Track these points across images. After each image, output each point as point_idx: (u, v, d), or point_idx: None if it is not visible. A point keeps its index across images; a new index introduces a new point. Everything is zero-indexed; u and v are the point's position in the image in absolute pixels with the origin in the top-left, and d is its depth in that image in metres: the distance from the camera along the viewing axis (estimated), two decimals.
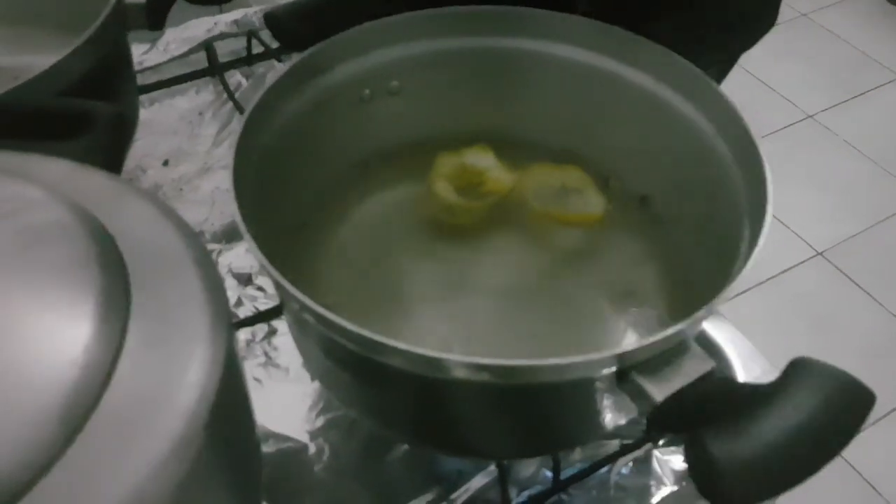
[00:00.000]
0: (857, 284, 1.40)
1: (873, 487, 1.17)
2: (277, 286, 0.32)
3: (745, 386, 0.30)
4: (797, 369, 0.29)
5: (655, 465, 0.42)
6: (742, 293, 1.32)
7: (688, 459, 0.27)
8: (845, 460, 1.18)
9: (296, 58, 0.41)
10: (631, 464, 0.42)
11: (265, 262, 0.31)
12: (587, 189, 0.47)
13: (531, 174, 0.48)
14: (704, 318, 0.30)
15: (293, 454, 0.42)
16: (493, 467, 0.41)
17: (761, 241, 0.32)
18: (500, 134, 0.49)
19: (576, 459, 0.42)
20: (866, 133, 1.63)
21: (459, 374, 0.30)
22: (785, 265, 1.43)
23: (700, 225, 0.42)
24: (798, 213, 1.49)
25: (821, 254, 1.45)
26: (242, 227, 0.32)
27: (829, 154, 1.62)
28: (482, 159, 0.48)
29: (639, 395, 0.30)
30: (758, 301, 1.35)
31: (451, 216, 0.47)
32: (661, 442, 0.42)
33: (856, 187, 1.56)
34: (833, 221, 1.49)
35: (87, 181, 0.29)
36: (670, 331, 0.29)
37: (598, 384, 0.32)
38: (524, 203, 0.47)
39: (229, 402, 0.24)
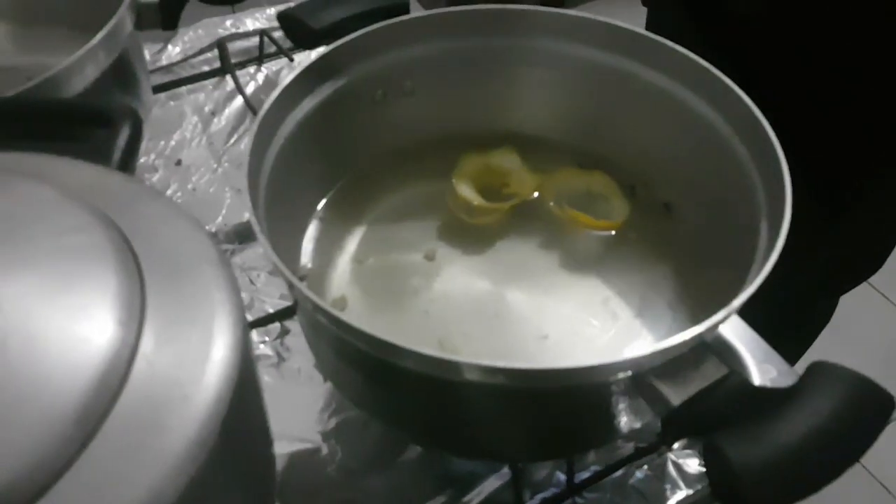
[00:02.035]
0: (874, 287, 1.39)
1: (888, 490, 1.16)
2: (291, 287, 0.32)
3: (762, 390, 0.30)
4: (815, 373, 0.29)
5: (671, 468, 0.41)
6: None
7: (705, 463, 0.27)
8: (860, 463, 1.18)
9: (309, 59, 0.41)
10: (646, 467, 0.41)
11: (279, 262, 0.31)
12: (612, 195, 0.47)
13: (557, 178, 0.48)
14: (722, 321, 0.30)
15: (306, 455, 0.42)
16: (506, 470, 0.41)
17: (779, 243, 0.31)
18: (520, 135, 0.49)
19: (590, 462, 0.42)
20: None
21: (473, 376, 0.30)
22: None
23: (718, 229, 0.42)
24: None
25: None
26: (256, 228, 0.32)
27: None
28: (507, 161, 0.48)
29: (656, 399, 0.30)
30: None
31: (472, 216, 0.46)
32: (676, 445, 0.42)
33: None
34: None
35: (102, 182, 0.29)
36: (688, 335, 0.29)
37: (615, 388, 0.31)
38: (548, 206, 0.47)
39: (244, 402, 0.24)
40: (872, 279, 1.38)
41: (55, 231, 0.25)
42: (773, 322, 0.63)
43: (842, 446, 0.27)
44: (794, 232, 0.49)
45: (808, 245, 0.58)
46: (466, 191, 0.46)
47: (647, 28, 0.66)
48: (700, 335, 0.29)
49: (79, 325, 0.22)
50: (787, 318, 0.70)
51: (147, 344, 0.23)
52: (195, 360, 0.23)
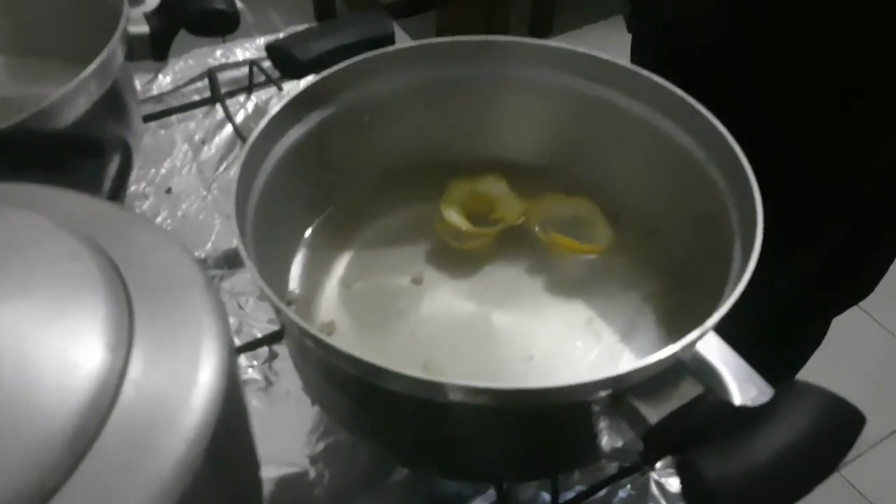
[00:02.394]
0: (858, 306, 1.40)
1: None
2: (278, 312, 0.33)
3: (738, 408, 0.31)
4: (789, 391, 0.30)
5: (653, 487, 0.42)
6: None
7: (681, 479, 0.28)
8: (848, 481, 1.18)
9: (298, 88, 0.42)
10: (629, 487, 0.42)
11: (265, 287, 0.32)
12: (597, 220, 0.48)
13: (543, 203, 0.49)
14: (697, 340, 0.31)
15: (293, 478, 0.42)
16: (492, 491, 0.41)
17: (751, 264, 0.32)
18: (506, 162, 0.50)
19: (574, 482, 0.42)
20: None
21: (457, 397, 0.31)
22: None
23: (699, 252, 0.43)
24: None
25: None
26: (244, 254, 0.33)
27: None
28: (495, 187, 0.49)
29: (634, 418, 0.31)
30: None
31: (459, 241, 0.47)
32: (658, 465, 0.43)
33: None
34: None
35: (93, 211, 0.30)
36: (663, 353, 0.30)
37: (595, 407, 0.32)
38: (534, 230, 0.48)
39: (230, 425, 0.25)
40: (863, 302, 1.39)
41: (47, 259, 0.26)
42: (766, 344, 0.65)
43: (813, 462, 0.28)
44: (786, 258, 0.49)
45: (800, 269, 0.59)
46: (454, 216, 0.47)
47: (632, 54, 0.68)
48: (675, 354, 0.30)
49: (69, 349, 0.23)
50: (780, 339, 0.70)
51: (135, 368, 0.23)
52: (182, 383, 0.23)
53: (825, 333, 0.77)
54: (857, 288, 0.67)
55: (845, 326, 1.37)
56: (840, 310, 0.71)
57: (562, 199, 0.49)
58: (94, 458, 0.21)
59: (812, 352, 0.78)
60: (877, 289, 0.69)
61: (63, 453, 0.20)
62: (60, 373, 0.22)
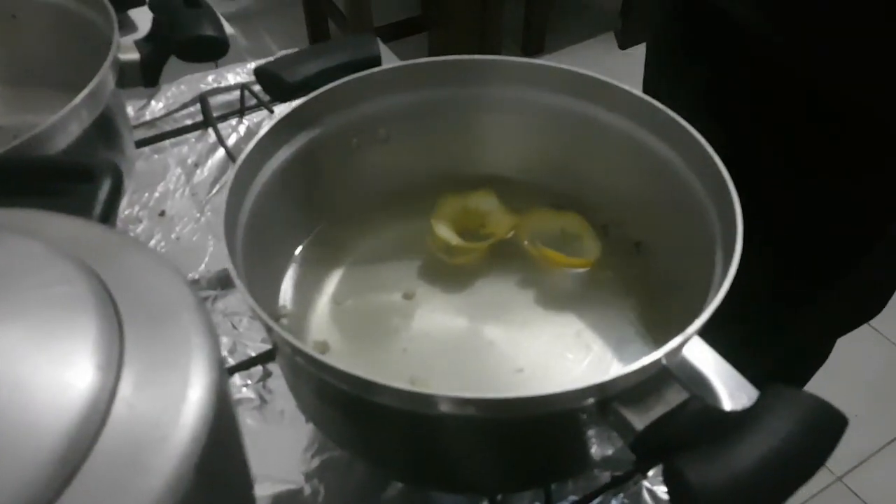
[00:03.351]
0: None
1: None
2: (269, 330, 0.33)
3: (723, 413, 0.31)
4: (772, 395, 0.30)
5: (646, 495, 0.42)
6: None
7: (666, 485, 0.28)
8: (849, 488, 1.18)
9: (285, 110, 0.43)
10: (622, 496, 0.42)
11: (255, 305, 0.33)
12: (585, 234, 0.48)
13: (532, 218, 0.49)
14: (680, 346, 0.31)
15: (289, 496, 0.42)
16: (486, 503, 0.42)
17: (730, 272, 0.33)
18: (495, 178, 0.50)
19: (568, 492, 0.42)
20: None
21: (446, 409, 0.31)
22: None
23: (682, 261, 0.43)
24: None
25: None
26: (233, 273, 0.34)
27: None
28: (485, 202, 0.49)
29: (621, 425, 0.31)
30: None
31: (450, 256, 0.48)
32: (650, 473, 0.43)
33: None
34: None
35: (85, 235, 0.30)
36: (646, 360, 0.30)
37: (582, 416, 0.32)
38: (524, 245, 0.49)
39: (221, 443, 0.25)
40: None
41: (38, 282, 0.26)
42: (772, 365, 0.65)
43: (796, 465, 0.28)
44: (797, 283, 0.49)
45: (809, 294, 0.60)
46: (444, 231, 0.48)
47: (647, 70, 0.67)
48: (658, 361, 0.31)
49: (60, 370, 0.23)
50: (787, 360, 0.71)
51: (126, 387, 0.24)
52: (172, 402, 0.24)
53: (831, 350, 0.78)
54: (872, 309, 0.67)
55: (847, 337, 1.38)
56: (853, 328, 0.71)
57: (550, 213, 0.50)
58: (85, 477, 0.21)
59: (818, 368, 0.79)
60: None
61: (54, 472, 0.21)
62: (52, 393, 0.22)
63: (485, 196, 0.50)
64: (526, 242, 0.49)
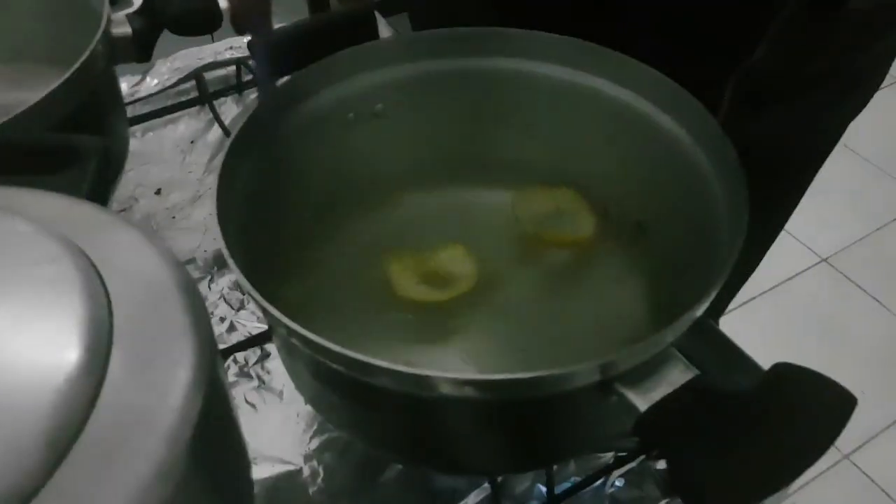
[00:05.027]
0: (863, 290, 1.40)
1: (888, 495, 1.16)
2: (264, 311, 0.33)
3: (729, 393, 0.30)
4: (777, 374, 0.29)
5: (648, 477, 0.42)
6: (746, 302, 1.32)
7: (668, 467, 0.27)
8: (858, 468, 1.17)
9: (279, 84, 0.42)
10: (625, 476, 0.42)
11: (249, 287, 0.32)
12: (580, 211, 0.47)
13: (525, 196, 0.48)
14: (682, 325, 0.31)
15: (287, 477, 0.42)
16: (487, 484, 0.41)
17: (736, 250, 0.32)
18: (491, 155, 0.49)
19: (570, 473, 0.42)
20: (868, 137, 1.63)
21: (444, 390, 0.30)
22: (789, 272, 1.42)
23: (686, 239, 0.42)
24: (801, 219, 1.48)
25: (825, 260, 1.45)
26: (226, 253, 0.33)
27: (831, 158, 1.61)
28: (448, 263, 0.46)
29: (623, 406, 0.30)
30: (763, 310, 1.34)
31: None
32: (654, 453, 0.42)
33: (859, 191, 1.56)
34: (837, 227, 1.48)
35: (73, 213, 0.29)
36: (651, 339, 0.30)
37: (584, 396, 0.32)
38: (517, 224, 0.47)
39: (214, 425, 0.25)
40: (860, 282, 1.39)
41: (25, 262, 0.26)
42: None
43: (804, 448, 0.28)
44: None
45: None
46: (404, 282, 0.44)
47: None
48: (662, 339, 0.30)
49: (48, 352, 0.23)
50: None
51: (114, 369, 0.23)
52: (162, 383, 0.23)
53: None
54: None
55: (851, 311, 1.37)
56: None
57: (544, 190, 0.48)
58: (74, 460, 0.21)
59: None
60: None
61: (42, 456, 0.20)
62: (39, 375, 0.22)
63: (452, 252, 0.46)
64: (524, 222, 0.47)
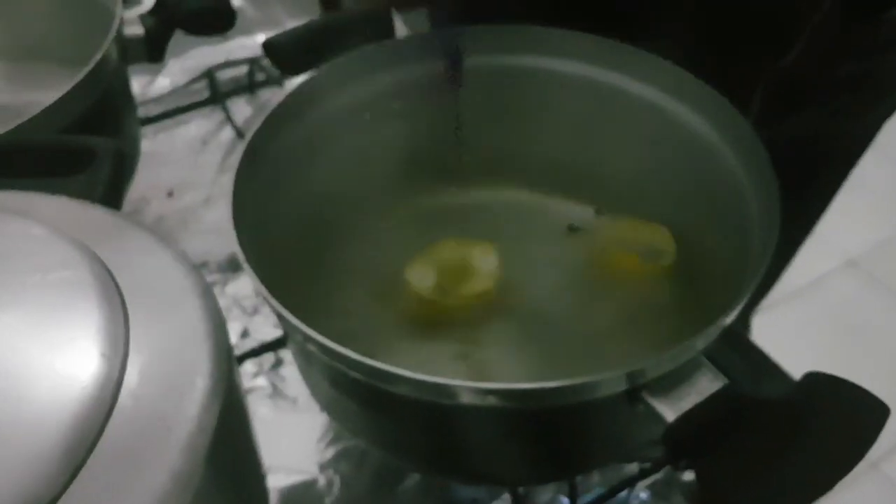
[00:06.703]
0: (893, 291, 1.38)
1: None
2: (279, 317, 0.32)
3: (759, 403, 0.29)
4: (809, 384, 0.29)
5: (674, 488, 0.41)
6: (774, 305, 1.29)
7: (698, 480, 0.27)
8: (885, 474, 1.15)
9: (295, 84, 0.41)
10: (650, 488, 0.41)
11: (265, 292, 0.31)
12: (668, 248, 0.45)
13: (620, 227, 0.46)
14: (716, 333, 0.30)
15: (303, 487, 0.41)
16: (507, 495, 0.40)
17: (769, 253, 0.31)
18: (515, 153, 0.48)
19: (594, 484, 0.41)
20: None
21: (467, 399, 0.30)
22: (817, 273, 1.40)
23: (714, 242, 0.41)
24: (829, 219, 1.45)
25: (853, 261, 1.43)
26: (241, 257, 0.32)
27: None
28: (475, 258, 0.45)
29: (651, 416, 0.29)
30: (790, 312, 1.32)
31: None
32: (682, 464, 0.41)
33: (887, 191, 1.53)
34: (866, 227, 1.46)
35: (87, 218, 0.29)
36: (680, 347, 0.29)
37: (610, 405, 0.31)
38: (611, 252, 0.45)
39: (230, 434, 0.24)
40: (890, 283, 1.36)
41: (40, 267, 0.25)
42: None
43: (835, 460, 0.27)
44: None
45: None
46: (420, 278, 0.43)
47: None
48: (692, 348, 0.29)
49: (64, 359, 0.22)
50: None
51: (131, 377, 0.23)
52: (179, 391, 0.23)
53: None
54: None
55: (879, 313, 1.35)
56: None
57: (638, 225, 0.46)
58: (91, 469, 0.20)
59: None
60: None
61: (59, 465, 0.20)
62: (55, 383, 0.22)
63: (479, 249, 0.45)
64: (616, 252, 0.45)
